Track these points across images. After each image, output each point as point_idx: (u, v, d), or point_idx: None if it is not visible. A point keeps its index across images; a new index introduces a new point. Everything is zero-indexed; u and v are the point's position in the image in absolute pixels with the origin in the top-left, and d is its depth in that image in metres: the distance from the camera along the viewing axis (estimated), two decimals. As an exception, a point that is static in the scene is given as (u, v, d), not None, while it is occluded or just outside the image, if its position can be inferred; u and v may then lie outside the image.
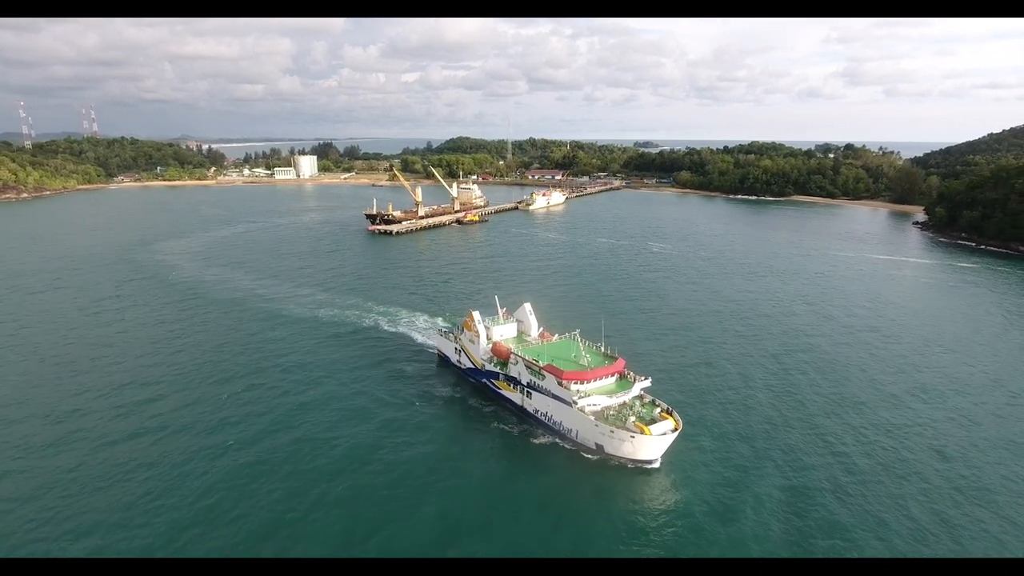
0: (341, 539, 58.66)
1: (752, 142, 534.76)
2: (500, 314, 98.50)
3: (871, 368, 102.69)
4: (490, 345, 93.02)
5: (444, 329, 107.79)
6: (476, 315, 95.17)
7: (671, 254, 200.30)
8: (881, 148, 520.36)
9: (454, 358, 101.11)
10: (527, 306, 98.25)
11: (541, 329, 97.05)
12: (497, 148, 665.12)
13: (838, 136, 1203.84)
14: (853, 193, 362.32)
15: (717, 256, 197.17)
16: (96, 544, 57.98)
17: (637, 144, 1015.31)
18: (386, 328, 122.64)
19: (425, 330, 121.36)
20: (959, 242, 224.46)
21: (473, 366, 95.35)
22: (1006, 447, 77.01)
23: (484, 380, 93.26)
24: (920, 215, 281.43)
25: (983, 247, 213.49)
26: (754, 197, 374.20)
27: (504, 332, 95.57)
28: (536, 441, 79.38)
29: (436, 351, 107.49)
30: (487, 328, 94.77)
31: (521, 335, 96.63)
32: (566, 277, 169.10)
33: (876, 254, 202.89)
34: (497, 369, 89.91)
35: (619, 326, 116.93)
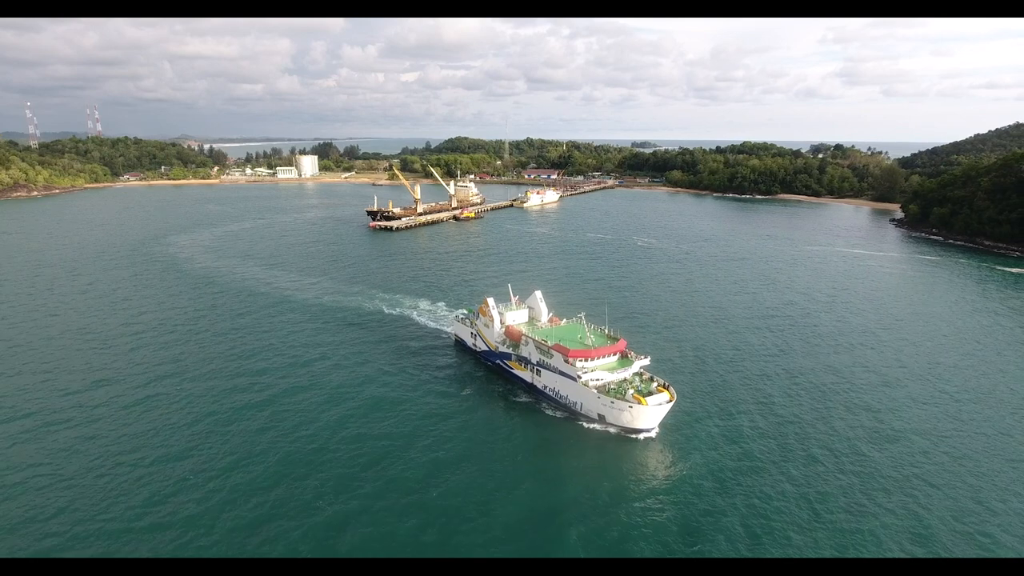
0: (369, 498, 65.60)
1: (744, 142, 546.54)
2: (513, 301, 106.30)
3: (817, 337, 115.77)
4: (503, 329, 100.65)
5: (460, 315, 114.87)
6: (491, 301, 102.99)
7: (655, 247, 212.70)
8: (870, 148, 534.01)
9: (470, 342, 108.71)
10: (538, 293, 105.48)
11: (551, 314, 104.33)
12: (495, 148, 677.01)
13: (837, 136, 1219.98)
14: (838, 192, 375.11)
15: (696, 249, 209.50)
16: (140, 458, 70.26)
17: (635, 144, 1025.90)
18: (392, 312, 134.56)
19: (426, 311, 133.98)
20: (929, 237, 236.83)
21: (488, 348, 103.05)
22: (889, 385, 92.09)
23: (498, 361, 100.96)
24: (899, 212, 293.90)
25: (950, 241, 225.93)
26: (743, 196, 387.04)
27: (516, 317, 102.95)
28: (545, 414, 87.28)
29: (453, 335, 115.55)
30: (501, 313, 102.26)
31: (532, 320, 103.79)
32: (553, 264, 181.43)
33: (847, 247, 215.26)
34: (510, 350, 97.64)
35: (601, 307, 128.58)
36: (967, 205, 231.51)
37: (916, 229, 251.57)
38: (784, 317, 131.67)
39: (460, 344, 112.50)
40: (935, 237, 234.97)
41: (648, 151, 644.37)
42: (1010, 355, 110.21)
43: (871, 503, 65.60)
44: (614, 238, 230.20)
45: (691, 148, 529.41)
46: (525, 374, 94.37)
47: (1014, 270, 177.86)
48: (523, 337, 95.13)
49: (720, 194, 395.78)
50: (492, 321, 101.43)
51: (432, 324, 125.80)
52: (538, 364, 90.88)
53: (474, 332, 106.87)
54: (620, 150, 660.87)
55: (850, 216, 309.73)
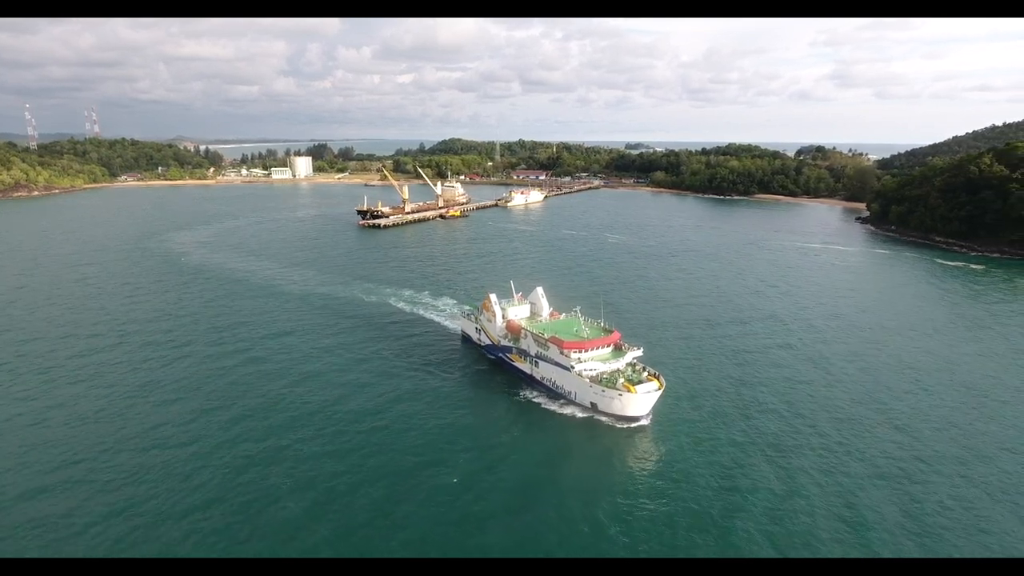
0: (376, 477, 70.55)
1: (729, 144, 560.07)
2: (515, 297, 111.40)
3: (771, 316, 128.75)
4: (505, 323, 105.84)
5: (466, 311, 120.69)
6: (493, 297, 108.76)
7: (625, 243, 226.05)
8: (851, 149, 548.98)
9: (475, 337, 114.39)
10: (539, 289, 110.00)
11: (551, 310, 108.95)
12: (487, 149, 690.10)
13: (835, 138, 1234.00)
14: (814, 192, 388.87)
15: (662, 244, 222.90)
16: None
17: (628, 146, 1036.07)
18: (370, 299, 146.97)
19: (408, 299, 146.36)
20: (888, 234, 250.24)
21: (491, 343, 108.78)
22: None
23: (500, 354, 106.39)
24: (866, 211, 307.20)
25: (905, 238, 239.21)
26: (721, 196, 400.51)
27: (518, 313, 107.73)
28: (542, 404, 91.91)
29: (460, 331, 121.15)
30: (503, 309, 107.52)
31: (534, 316, 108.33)
32: (528, 256, 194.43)
33: (809, 243, 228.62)
34: (511, 344, 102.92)
35: (566, 293, 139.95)
36: (922, 204, 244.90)
37: (878, 226, 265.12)
38: (748, 306, 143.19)
39: (466, 339, 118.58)
40: (893, 234, 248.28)
41: (635, 152, 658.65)
42: (907, 319, 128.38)
43: (862, 478, 71.56)
44: (587, 235, 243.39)
45: (677, 150, 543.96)
46: (525, 366, 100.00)
47: (951, 263, 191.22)
48: (522, 331, 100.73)
49: (700, 194, 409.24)
50: (494, 316, 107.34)
51: (410, 309, 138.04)
52: (536, 356, 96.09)
53: (478, 327, 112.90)
54: (609, 151, 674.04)
55: (822, 215, 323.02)
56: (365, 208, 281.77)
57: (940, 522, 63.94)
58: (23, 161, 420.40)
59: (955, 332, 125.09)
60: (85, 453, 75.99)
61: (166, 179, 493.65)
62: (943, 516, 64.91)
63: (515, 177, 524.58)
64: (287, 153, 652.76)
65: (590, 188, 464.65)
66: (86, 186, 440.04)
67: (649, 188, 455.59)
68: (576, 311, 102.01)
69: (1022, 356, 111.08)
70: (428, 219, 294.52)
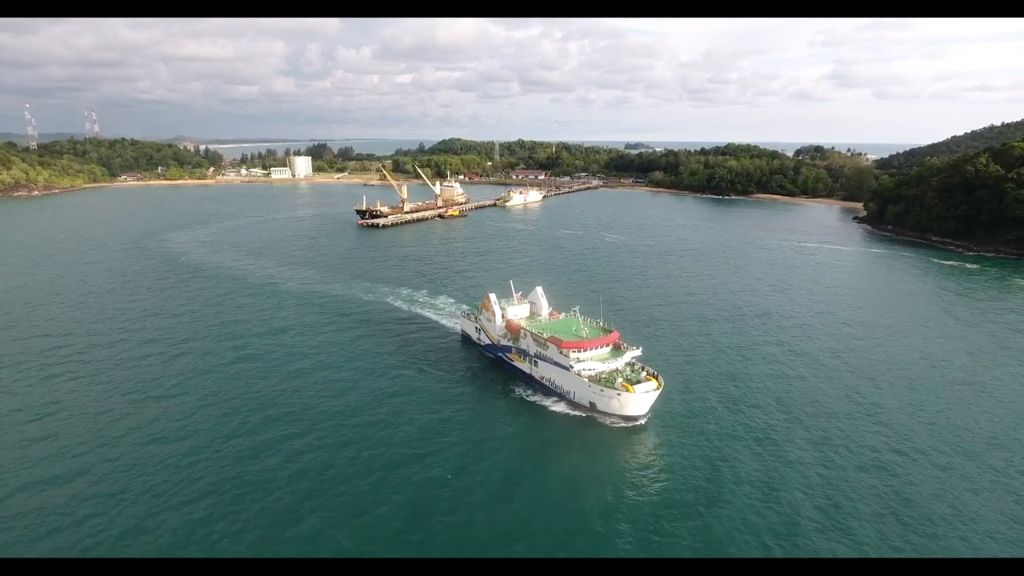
0: (376, 464, 72.64)
1: (728, 144, 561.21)
2: (515, 297, 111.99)
3: (766, 314, 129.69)
4: (504, 323, 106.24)
5: (466, 311, 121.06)
6: (492, 297, 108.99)
7: (623, 242, 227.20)
8: (850, 149, 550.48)
9: (475, 336, 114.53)
10: (539, 289, 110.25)
11: (550, 309, 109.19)
12: (486, 149, 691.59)
13: (835, 138, 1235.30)
14: (812, 192, 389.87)
15: (660, 243, 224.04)
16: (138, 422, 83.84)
17: (628, 146, 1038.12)
18: (367, 298, 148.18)
19: (405, 296, 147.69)
20: (885, 233, 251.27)
21: (490, 342, 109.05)
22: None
23: (500, 354, 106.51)
24: (863, 211, 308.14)
25: (901, 237, 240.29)
26: (720, 195, 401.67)
27: (518, 312, 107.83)
28: (541, 403, 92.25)
29: (460, 331, 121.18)
30: (503, 309, 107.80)
31: (533, 315, 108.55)
32: (527, 255, 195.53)
33: (806, 242, 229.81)
34: (510, 343, 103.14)
35: (564, 293, 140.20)
36: (918, 203, 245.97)
37: (875, 226, 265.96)
38: (743, 303, 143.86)
39: (466, 339, 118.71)
40: (889, 234, 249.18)
41: (635, 152, 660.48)
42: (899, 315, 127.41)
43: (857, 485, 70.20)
44: (586, 234, 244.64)
45: (676, 150, 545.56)
46: (524, 365, 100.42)
47: (946, 262, 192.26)
48: (522, 330, 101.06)
49: (699, 194, 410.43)
50: (494, 316, 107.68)
51: (408, 308, 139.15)
52: (536, 356, 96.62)
53: (478, 327, 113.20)
54: (609, 151, 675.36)
55: (819, 214, 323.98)
56: (364, 208, 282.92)
57: (925, 514, 65.10)
58: (23, 161, 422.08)
59: (947, 330, 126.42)
60: (85, 447, 77.26)
61: (166, 179, 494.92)
62: (927, 508, 66.06)
63: (514, 177, 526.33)
64: (287, 153, 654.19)
65: (589, 188, 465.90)
66: (86, 186, 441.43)
67: (648, 188, 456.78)
68: (575, 311, 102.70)
69: (1009, 353, 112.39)
70: (427, 219, 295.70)
